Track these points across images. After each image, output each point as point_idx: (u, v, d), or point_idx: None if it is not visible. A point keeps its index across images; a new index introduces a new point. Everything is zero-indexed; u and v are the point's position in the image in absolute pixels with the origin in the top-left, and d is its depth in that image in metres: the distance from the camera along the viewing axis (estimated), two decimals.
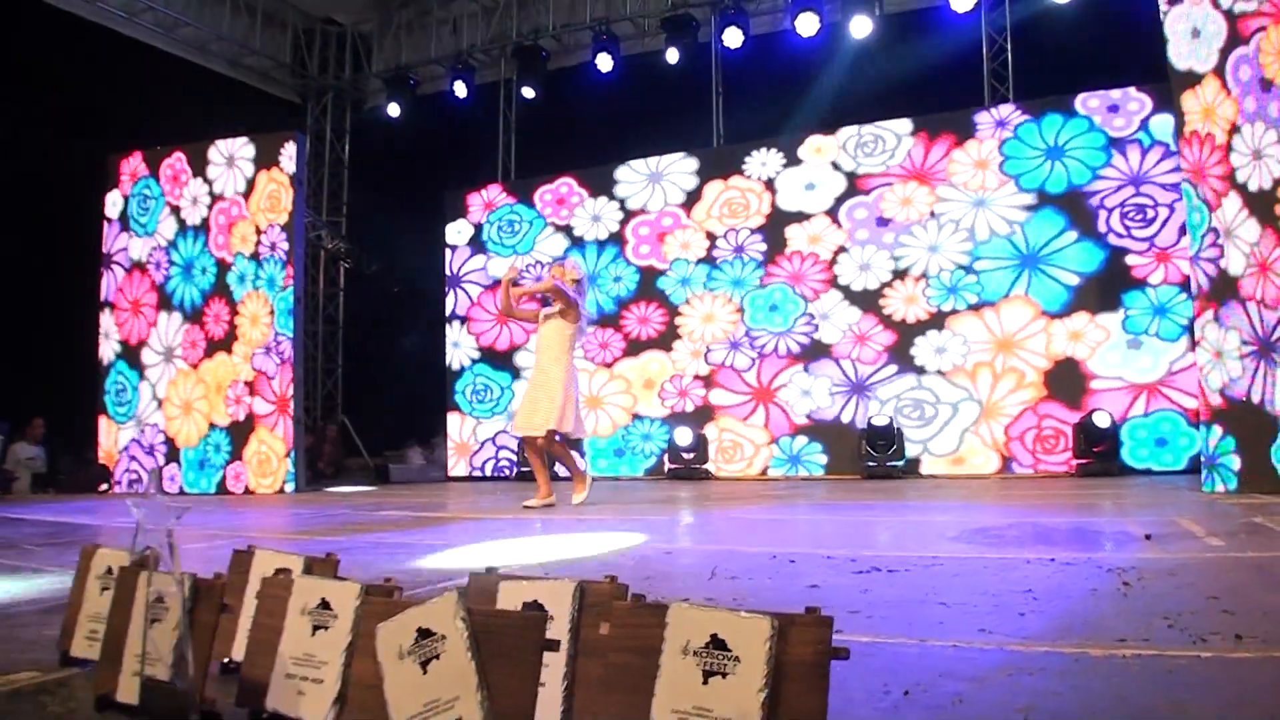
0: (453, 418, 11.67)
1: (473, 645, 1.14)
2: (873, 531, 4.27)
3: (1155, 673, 1.67)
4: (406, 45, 12.22)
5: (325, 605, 1.42)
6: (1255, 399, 5.66)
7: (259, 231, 8.88)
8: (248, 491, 8.67)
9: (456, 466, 11.58)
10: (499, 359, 11.49)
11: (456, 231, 11.84)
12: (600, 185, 11.16)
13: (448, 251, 11.84)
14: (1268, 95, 5.62)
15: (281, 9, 11.95)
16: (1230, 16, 5.82)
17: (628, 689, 1.15)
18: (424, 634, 1.18)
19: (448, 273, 11.84)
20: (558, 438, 6.12)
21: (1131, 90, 8.92)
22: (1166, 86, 7.22)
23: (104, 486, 9.15)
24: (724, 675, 1.09)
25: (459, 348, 11.73)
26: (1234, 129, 5.79)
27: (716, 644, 1.11)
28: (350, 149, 12.83)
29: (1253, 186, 5.69)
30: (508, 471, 11.19)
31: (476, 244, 11.73)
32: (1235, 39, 5.80)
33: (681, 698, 1.11)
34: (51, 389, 10.08)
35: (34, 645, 2.06)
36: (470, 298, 11.70)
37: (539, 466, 6.14)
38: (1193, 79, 6.04)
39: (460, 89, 11.59)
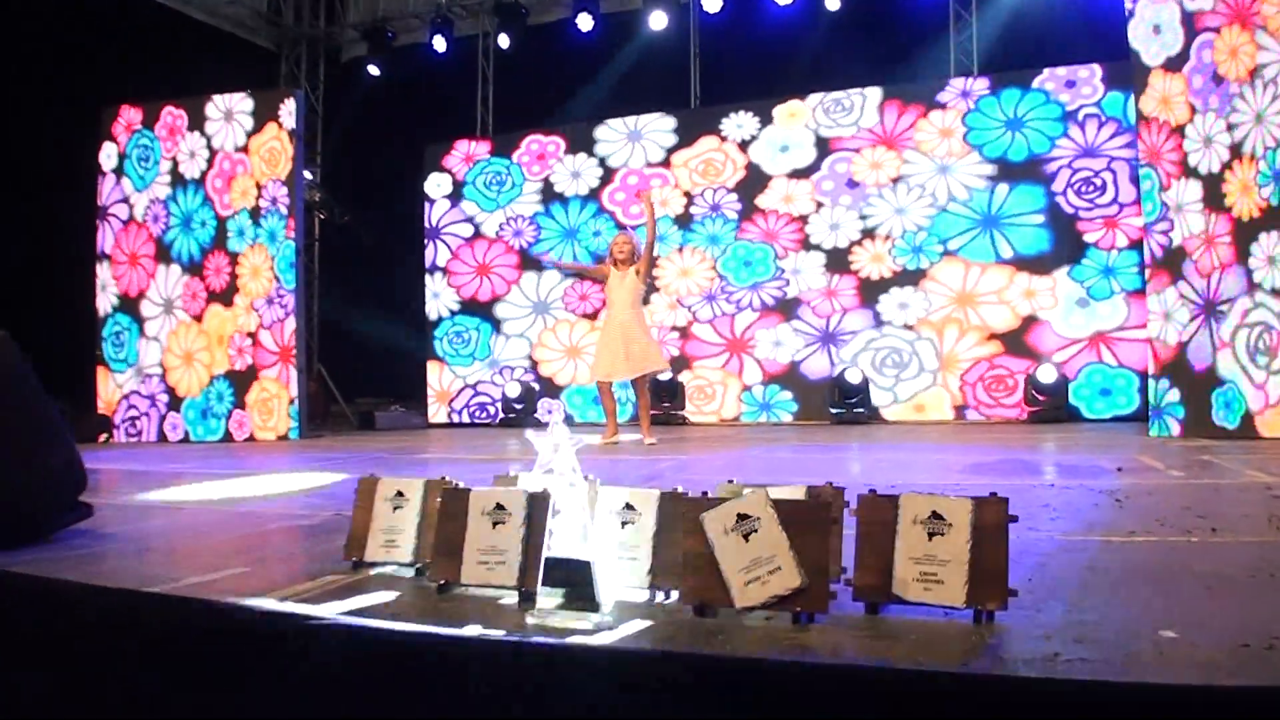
0: (432, 366, 12.22)
1: (782, 522, 1.82)
2: (890, 466, 5.04)
3: (1164, 550, 2.44)
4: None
5: (630, 506, 2.09)
6: (1198, 354, 6.58)
7: (259, 186, 9.24)
8: (251, 439, 9.14)
9: (436, 414, 12.17)
10: (478, 309, 12.02)
11: (436, 184, 12.26)
12: (580, 142, 11.68)
13: (427, 204, 12.27)
14: (1219, 88, 6.46)
15: None
16: (1189, 15, 6.63)
17: (874, 547, 1.85)
18: (742, 517, 1.85)
19: (427, 225, 12.28)
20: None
21: (1088, 67, 9.75)
22: (1121, 65, 8.12)
23: (104, 436, 9.49)
24: (942, 534, 1.80)
25: (438, 298, 12.22)
26: (1189, 116, 6.63)
27: (935, 516, 1.81)
28: (325, 99, 13.07)
29: (1202, 170, 6.56)
30: (489, 418, 11.82)
31: (456, 196, 12.17)
32: (1193, 35, 6.61)
33: (914, 550, 1.81)
34: (33, 339, 10.31)
35: (316, 556, 2.66)
36: (450, 249, 12.18)
37: (646, 407, 7.31)
38: (1152, 70, 6.85)
39: (439, 43, 11.94)
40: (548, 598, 1.96)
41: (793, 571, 1.79)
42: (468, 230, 12.10)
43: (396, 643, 1.58)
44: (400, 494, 2.36)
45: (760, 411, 10.91)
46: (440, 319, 12.18)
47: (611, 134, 11.56)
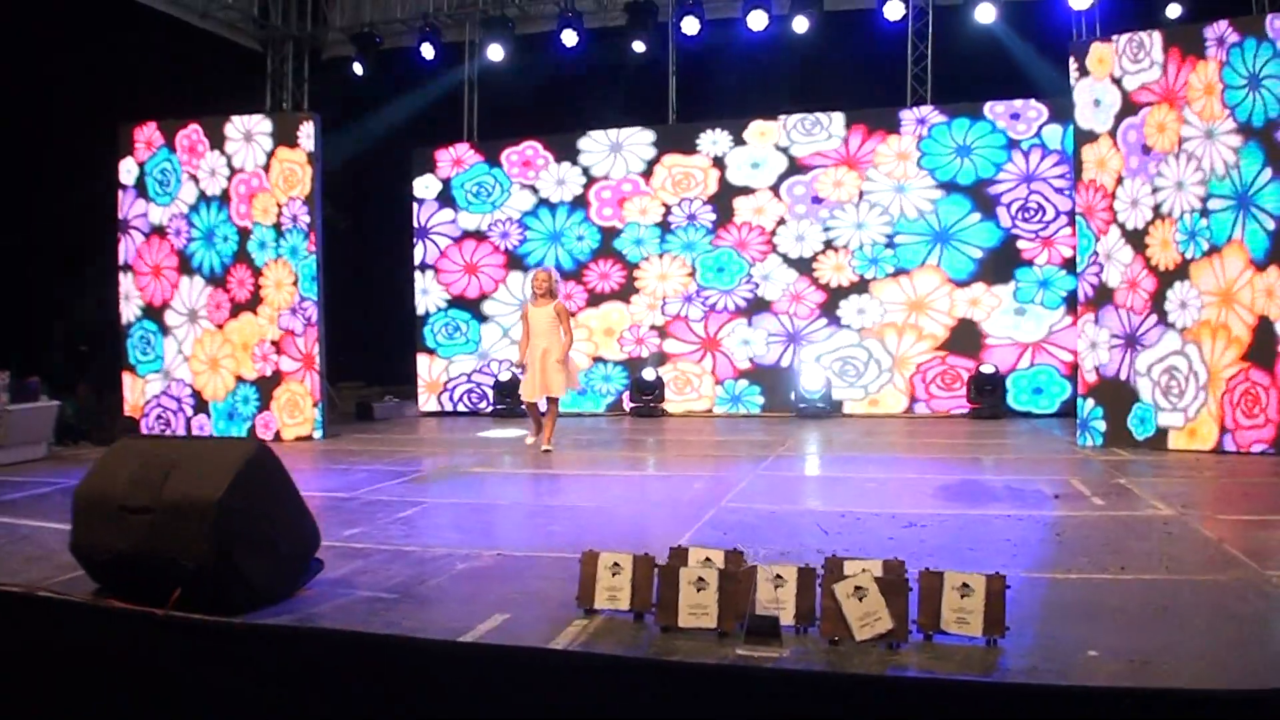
0: (421, 358, 13.46)
1: (882, 591, 3.28)
2: (877, 490, 6.57)
3: (1089, 587, 3.98)
4: (371, 1, 13.40)
5: (779, 578, 3.54)
6: (1119, 376, 8.28)
7: (279, 205, 10.30)
8: (277, 437, 10.31)
9: (428, 403, 13.44)
10: (467, 305, 13.27)
11: (424, 186, 13.38)
12: (564, 151, 12.92)
13: (416, 204, 13.40)
14: (1146, 158, 8.09)
15: None
16: (1125, 92, 8.23)
17: (930, 601, 3.33)
18: (858, 588, 3.31)
19: (416, 224, 13.42)
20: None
21: (1034, 107, 11.36)
22: (1062, 101, 9.76)
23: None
24: (970, 595, 3.28)
25: (427, 294, 13.42)
26: (1119, 180, 8.27)
27: (965, 585, 3.30)
28: (310, 98, 13.97)
29: (1129, 225, 8.22)
30: (482, 406, 13.14)
31: (445, 198, 13.32)
32: (1127, 110, 8.22)
33: (953, 603, 3.29)
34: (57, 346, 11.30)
35: (546, 601, 4.02)
36: (438, 248, 13.36)
37: (552, 419, 8.92)
38: (1091, 137, 8.45)
39: (428, 51, 12.95)
40: (736, 636, 3.40)
41: (887, 619, 3.27)
42: (455, 231, 13.28)
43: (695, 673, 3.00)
44: (617, 564, 3.75)
45: (732, 404, 12.46)
46: (428, 313, 13.38)
47: (594, 144, 12.83)
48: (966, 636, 3.29)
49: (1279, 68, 7.50)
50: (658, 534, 5.07)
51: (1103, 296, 8.43)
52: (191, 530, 3.80)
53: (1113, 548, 4.59)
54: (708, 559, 3.77)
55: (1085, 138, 8.53)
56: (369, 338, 14.22)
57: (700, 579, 3.49)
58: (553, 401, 8.75)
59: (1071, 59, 8.64)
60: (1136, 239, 8.24)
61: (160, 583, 3.76)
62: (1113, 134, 8.35)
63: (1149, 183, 8.14)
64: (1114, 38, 8.41)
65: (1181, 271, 8.02)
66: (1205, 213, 7.88)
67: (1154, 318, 8.13)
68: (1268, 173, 7.54)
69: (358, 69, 13.15)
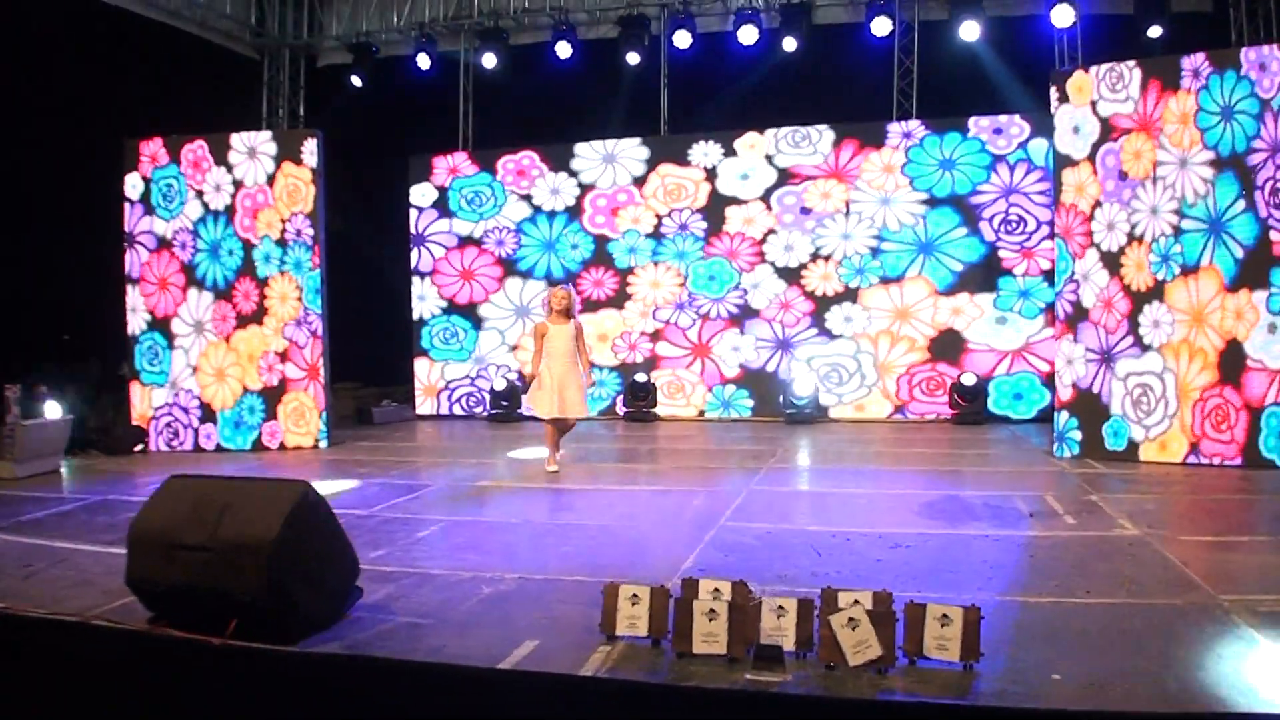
0: (419, 362, 13.89)
1: (872, 621, 3.74)
2: (865, 508, 7.03)
3: (1056, 610, 4.45)
4: (367, 11, 13.72)
5: (781, 609, 3.99)
6: (1095, 390, 8.78)
7: (283, 220, 10.66)
8: (283, 447, 10.70)
9: (423, 405, 13.88)
10: (463, 310, 13.70)
11: (421, 194, 13.77)
12: (559, 161, 13.33)
13: (412, 212, 13.80)
14: (1122, 183, 8.58)
15: None
16: (1103, 119, 8.70)
17: (914, 630, 3.79)
18: (851, 619, 3.77)
19: (413, 231, 13.82)
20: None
21: (1017, 123, 11.84)
22: (1043, 117, 10.22)
23: (139, 447, 10.83)
24: (949, 624, 3.75)
25: (424, 300, 13.83)
26: (1096, 204, 8.75)
27: (944, 616, 3.76)
28: (306, 106, 14.30)
29: (1105, 246, 8.70)
30: (478, 410, 13.58)
31: (441, 206, 13.71)
32: (1105, 137, 8.69)
33: (934, 631, 3.75)
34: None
35: (569, 629, 4.46)
36: (433, 255, 13.76)
37: (554, 438, 8.78)
38: (1071, 162, 8.92)
39: (424, 61, 13.30)
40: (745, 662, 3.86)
41: (876, 647, 3.73)
42: (452, 240, 13.69)
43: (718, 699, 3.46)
44: (635, 595, 4.20)
45: (722, 409, 12.93)
46: (423, 318, 13.80)
47: (588, 154, 13.24)
48: (946, 661, 3.75)
49: (1253, 105, 7.99)
50: (665, 555, 5.55)
51: (1079, 315, 8.93)
52: (247, 567, 4.18)
53: (1081, 570, 5.07)
54: (717, 590, 4.23)
55: (1064, 162, 8.99)
56: (365, 339, 14.59)
57: (712, 610, 3.95)
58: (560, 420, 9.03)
59: (1053, 87, 9.10)
60: (1112, 261, 8.73)
61: (215, 613, 4.17)
62: (1091, 159, 8.82)
63: (1125, 207, 8.63)
64: (1093, 68, 8.87)
65: (1155, 293, 8.52)
66: (1178, 237, 8.38)
67: (1130, 337, 8.63)
68: (1241, 204, 8.04)
69: (355, 81, 13.48)
